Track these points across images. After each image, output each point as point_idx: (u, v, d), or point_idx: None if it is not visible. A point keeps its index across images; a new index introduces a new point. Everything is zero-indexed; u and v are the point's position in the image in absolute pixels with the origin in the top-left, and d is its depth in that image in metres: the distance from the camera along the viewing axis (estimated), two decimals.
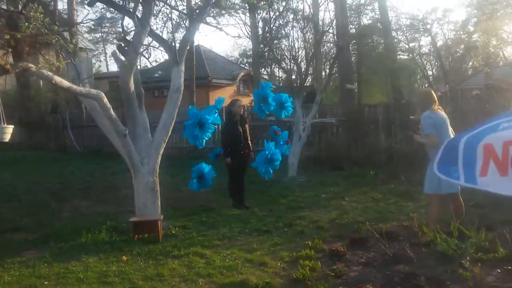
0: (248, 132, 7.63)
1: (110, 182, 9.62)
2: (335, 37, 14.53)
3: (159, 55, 67.81)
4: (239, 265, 4.53)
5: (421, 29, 24.34)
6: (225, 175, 7.64)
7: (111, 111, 5.44)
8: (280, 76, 31.03)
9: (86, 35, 26.96)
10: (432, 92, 5.27)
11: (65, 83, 5.05)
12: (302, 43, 11.42)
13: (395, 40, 23.53)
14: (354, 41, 20.76)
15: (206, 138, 6.97)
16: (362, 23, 24.60)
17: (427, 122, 5.01)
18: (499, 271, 4.11)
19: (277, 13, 12.29)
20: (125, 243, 5.29)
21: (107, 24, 34.66)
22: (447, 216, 5.15)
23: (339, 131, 12.49)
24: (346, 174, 10.26)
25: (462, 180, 2.92)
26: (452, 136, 5.08)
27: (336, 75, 20.64)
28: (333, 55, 13.99)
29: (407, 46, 24.94)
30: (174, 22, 7.45)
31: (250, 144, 7.63)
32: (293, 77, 11.28)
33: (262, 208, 7.20)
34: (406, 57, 25.94)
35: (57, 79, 4.93)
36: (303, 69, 11.24)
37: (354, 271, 4.34)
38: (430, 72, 28.40)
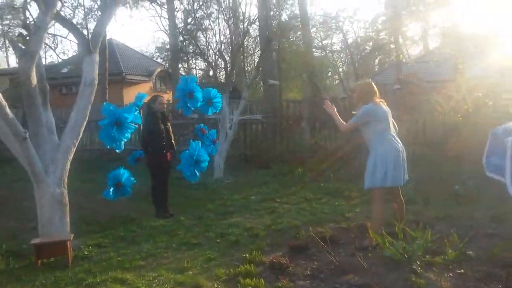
0: (171, 131, 6.97)
1: (9, 191, 8.32)
2: (260, 29, 14.18)
3: (67, 46, 63.37)
4: None
5: (333, 27, 25.06)
6: (145, 181, 6.85)
7: (7, 109, 4.47)
8: (200, 69, 30.18)
9: None
10: (373, 83, 4.96)
11: None
12: (226, 35, 10.92)
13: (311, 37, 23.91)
14: (275, 36, 20.69)
15: (125, 140, 6.12)
16: (282, 18, 24.69)
17: (366, 115, 4.68)
18: (451, 275, 3.88)
19: (200, 3, 11.62)
20: (25, 271, 4.35)
21: (9, 16, 31.32)
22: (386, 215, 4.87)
23: (264, 128, 12.14)
24: (274, 172, 9.98)
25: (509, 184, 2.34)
26: (394, 130, 4.85)
27: (260, 69, 20.44)
28: (258, 49, 13.66)
29: (320, 44, 25.52)
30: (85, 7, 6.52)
31: (174, 144, 6.99)
32: (217, 71, 10.72)
33: (188, 215, 6.54)
34: (319, 54, 26.58)
35: None
36: (228, 63, 10.71)
37: (301, 287, 3.88)
38: (340, 69, 29.49)
